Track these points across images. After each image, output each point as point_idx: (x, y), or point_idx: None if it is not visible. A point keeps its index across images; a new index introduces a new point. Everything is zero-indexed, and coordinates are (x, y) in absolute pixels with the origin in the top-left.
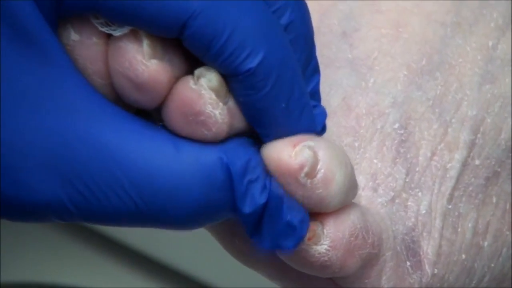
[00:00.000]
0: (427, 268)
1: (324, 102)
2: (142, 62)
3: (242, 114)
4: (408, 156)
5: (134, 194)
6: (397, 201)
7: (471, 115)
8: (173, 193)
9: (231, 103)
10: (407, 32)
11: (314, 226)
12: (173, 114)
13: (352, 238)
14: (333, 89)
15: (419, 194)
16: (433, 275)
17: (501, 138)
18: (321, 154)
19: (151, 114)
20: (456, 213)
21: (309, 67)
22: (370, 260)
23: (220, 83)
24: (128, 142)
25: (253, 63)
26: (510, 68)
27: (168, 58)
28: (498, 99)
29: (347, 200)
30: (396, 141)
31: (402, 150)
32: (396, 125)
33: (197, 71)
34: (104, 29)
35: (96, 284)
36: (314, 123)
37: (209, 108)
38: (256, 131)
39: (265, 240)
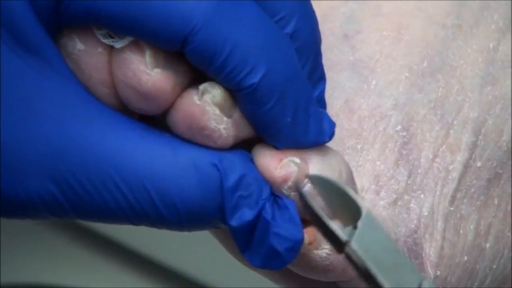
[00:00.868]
0: (429, 270)
1: (326, 104)
2: (146, 72)
3: (248, 124)
4: (410, 158)
5: (128, 193)
6: (399, 203)
7: (473, 117)
8: (166, 193)
9: (237, 115)
10: (409, 34)
11: (315, 231)
12: (178, 125)
13: None
14: (335, 91)
15: (421, 196)
16: (436, 277)
17: (503, 140)
18: (311, 167)
19: (155, 118)
20: (458, 215)
21: (315, 75)
22: None
23: (224, 98)
24: (124, 144)
25: (255, 78)
26: (511, 70)
27: (172, 66)
28: (499, 101)
29: None
30: (398, 143)
31: (404, 152)
32: (398, 127)
33: (201, 87)
34: (106, 41)
35: (95, 284)
36: (322, 134)
37: (213, 124)
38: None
39: (254, 258)
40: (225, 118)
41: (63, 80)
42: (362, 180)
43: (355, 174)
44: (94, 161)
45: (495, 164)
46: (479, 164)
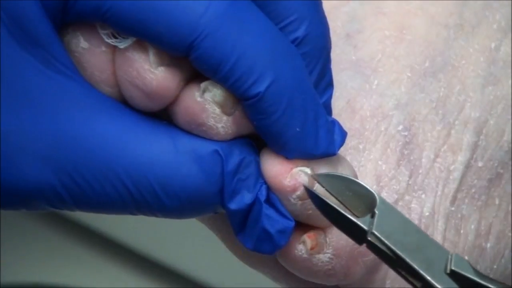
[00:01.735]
0: None
1: None
2: (150, 71)
3: (249, 123)
4: (412, 158)
5: (128, 183)
6: (400, 203)
7: (474, 117)
8: (168, 182)
9: (238, 112)
10: (411, 34)
11: (316, 235)
12: (177, 117)
13: (355, 246)
14: (337, 91)
15: (423, 196)
16: None
17: (504, 140)
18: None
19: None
20: (459, 215)
21: (323, 81)
22: (375, 266)
23: (225, 97)
24: (124, 134)
25: (261, 88)
26: None
27: (176, 63)
28: (501, 101)
29: None
30: (400, 143)
31: (406, 152)
32: (400, 127)
33: (203, 85)
34: (110, 41)
35: (95, 284)
36: (332, 146)
37: (211, 122)
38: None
39: (247, 240)
40: (224, 117)
41: (67, 74)
42: (364, 181)
43: (357, 175)
44: (95, 152)
45: (496, 164)
46: (480, 164)
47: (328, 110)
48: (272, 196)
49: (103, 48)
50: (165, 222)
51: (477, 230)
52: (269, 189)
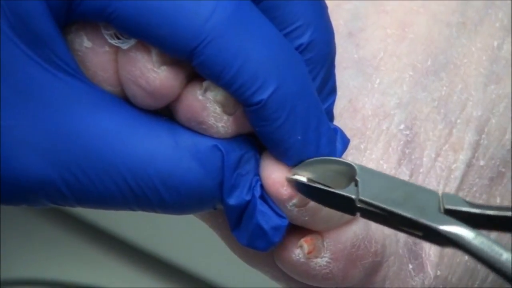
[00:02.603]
0: (430, 270)
1: None
2: (153, 70)
3: (248, 123)
4: (413, 157)
5: (129, 177)
6: None
7: (476, 115)
8: (168, 177)
9: (239, 112)
10: (413, 32)
11: (314, 239)
12: (179, 114)
13: (353, 249)
14: (339, 90)
15: None
16: (436, 276)
17: (506, 139)
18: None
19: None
20: None
21: (327, 87)
22: (373, 268)
23: (226, 97)
24: (125, 128)
25: (264, 95)
26: None
27: (179, 61)
28: (503, 99)
29: (340, 222)
30: (401, 142)
31: (407, 151)
32: (402, 126)
33: (205, 83)
34: (113, 42)
35: (96, 280)
36: (334, 153)
37: (211, 120)
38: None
39: (242, 236)
40: (225, 117)
41: (68, 72)
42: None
43: None
44: (95, 147)
45: (498, 163)
46: (482, 163)
47: (330, 116)
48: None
49: (106, 48)
50: (168, 219)
51: None
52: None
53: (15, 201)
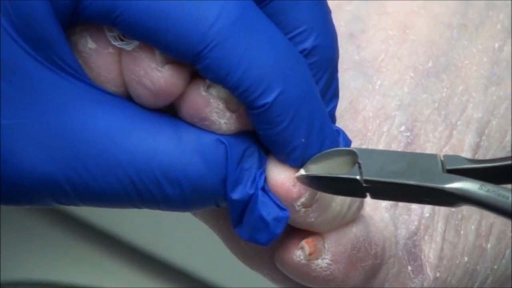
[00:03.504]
0: (429, 272)
1: None
2: (157, 69)
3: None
4: None
5: (132, 172)
6: (400, 204)
7: (477, 117)
8: (171, 171)
9: (242, 110)
10: (414, 34)
11: (315, 241)
12: (182, 111)
13: (354, 251)
14: (340, 92)
15: None
16: (435, 278)
17: (507, 141)
18: None
19: None
20: (459, 216)
21: (329, 91)
22: (373, 270)
23: (229, 94)
24: (127, 124)
25: (269, 98)
26: None
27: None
28: (504, 101)
29: (344, 221)
30: (402, 144)
31: None
32: (402, 128)
33: (208, 80)
34: (117, 43)
35: (96, 282)
36: None
37: (214, 116)
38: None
39: (244, 230)
40: (228, 113)
41: (70, 72)
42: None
43: None
44: (98, 143)
45: None
46: None
47: (333, 119)
48: (267, 186)
49: (110, 49)
50: (167, 219)
51: (477, 230)
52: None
53: (18, 200)
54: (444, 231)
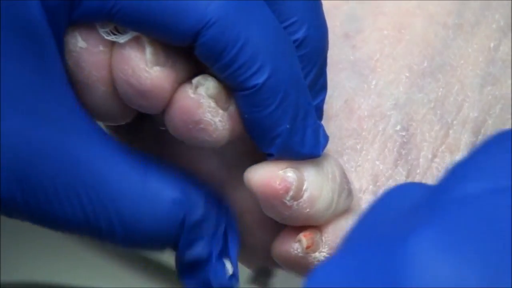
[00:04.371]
0: None
1: (326, 104)
2: (145, 70)
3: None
4: (409, 158)
5: (89, 209)
6: None
7: (473, 117)
8: (124, 218)
9: (232, 108)
10: (409, 34)
11: (313, 234)
12: (174, 121)
13: None
14: (335, 91)
15: None
16: None
17: None
18: (306, 174)
19: (154, 119)
20: None
21: (318, 83)
22: None
23: (218, 90)
24: (97, 161)
25: (260, 79)
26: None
27: (171, 64)
28: (500, 100)
29: (338, 211)
30: (397, 143)
31: (403, 152)
32: (398, 127)
33: (194, 80)
34: (110, 38)
35: (96, 284)
36: (317, 147)
37: (208, 116)
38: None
39: (191, 283)
40: (220, 111)
41: (55, 83)
42: (361, 181)
43: (354, 174)
44: (63, 171)
45: None
46: None
47: (320, 113)
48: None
49: (101, 48)
50: None
51: None
52: (224, 240)
53: None
54: None
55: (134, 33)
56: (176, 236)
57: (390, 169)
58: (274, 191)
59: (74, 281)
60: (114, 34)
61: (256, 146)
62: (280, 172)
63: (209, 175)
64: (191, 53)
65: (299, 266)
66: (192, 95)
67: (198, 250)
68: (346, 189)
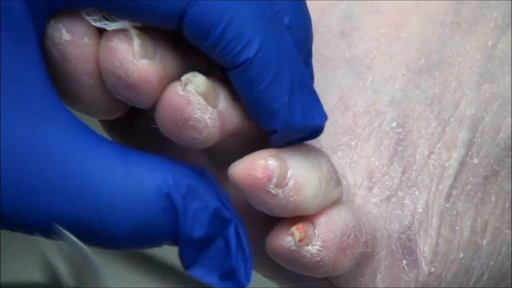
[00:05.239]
0: (424, 267)
1: (321, 101)
2: (132, 62)
3: (233, 115)
4: (405, 154)
5: (66, 203)
6: (393, 199)
7: (470, 114)
8: (113, 209)
9: (222, 104)
10: (406, 32)
11: (305, 227)
12: (164, 119)
13: (344, 238)
14: (330, 88)
15: (416, 192)
16: (430, 273)
17: (500, 137)
18: (290, 162)
19: (145, 113)
20: (454, 212)
21: None
22: (364, 259)
23: (208, 87)
24: (77, 153)
25: (250, 53)
26: (510, 67)
27: (160, 58)
28: (497, 98)
29: (328, 200)
30: (393, 140)
31: (399, 149)
32: (394, 124)
33: (183, 78)
34: (98, 24)
35: None
36: (319, 117)
37: (198, 113)
38: (262, 129)
39: (208, 275)
40: (209, 108)
41: (32, 75)
42: (356, 177)
43: (348, 170)
44: (40, 163)
45: (492, 161)
46: (476, 161)
47: None
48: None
49: (86, 40)
50: None
51: (472, 227)
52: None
53: None
54: (439, 226)
55: (123, 23)
56: (172, 218)
57: (385, 165)
58: (256, 179)
59: None
60: (102, 21)
61: (258, 126)
62: (261, 161)
63: None
64: (181, 49)
65: (293, 260)
66: (181, 92)
67: (204, 224)
68: (334, 178)
